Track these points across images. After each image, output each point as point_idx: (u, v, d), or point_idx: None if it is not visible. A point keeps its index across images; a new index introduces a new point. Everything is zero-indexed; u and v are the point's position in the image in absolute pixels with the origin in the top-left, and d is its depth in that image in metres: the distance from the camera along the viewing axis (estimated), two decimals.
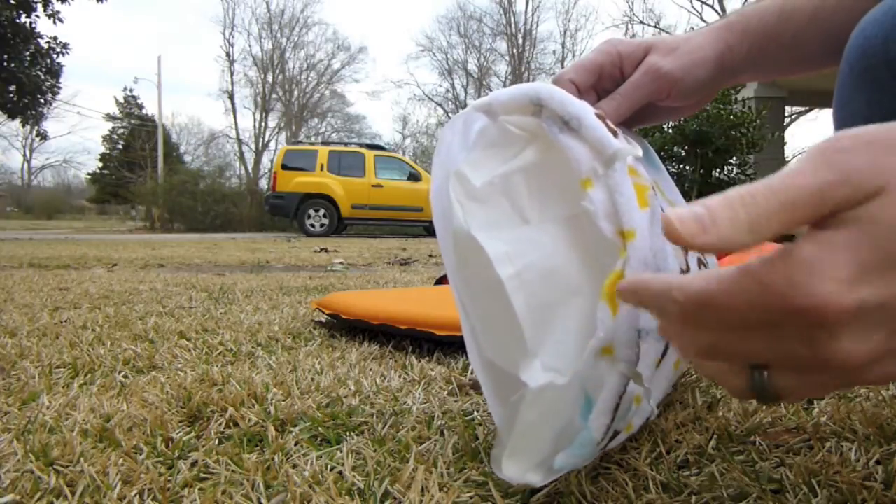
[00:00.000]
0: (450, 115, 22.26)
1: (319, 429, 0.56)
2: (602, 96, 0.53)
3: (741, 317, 0.25)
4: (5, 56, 9.56)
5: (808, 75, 0.58)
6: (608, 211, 0.39)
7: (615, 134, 0.43)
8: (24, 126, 11.26)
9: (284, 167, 9.46)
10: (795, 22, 0.53)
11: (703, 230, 0.24)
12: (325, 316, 1.13)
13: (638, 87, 0.51)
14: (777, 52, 0.54)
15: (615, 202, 0.39)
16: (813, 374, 0.25)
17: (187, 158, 25.32)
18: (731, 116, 5.28)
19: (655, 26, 18.00)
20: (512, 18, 23.03)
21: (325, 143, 12.08)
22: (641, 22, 19.23)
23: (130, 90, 25.35)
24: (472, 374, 0.75)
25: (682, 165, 5.92)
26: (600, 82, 0.53)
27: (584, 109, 0.41)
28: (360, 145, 10.55)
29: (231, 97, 23.28)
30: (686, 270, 0.43)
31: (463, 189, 0.45)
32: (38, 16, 9.76)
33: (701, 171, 5.74)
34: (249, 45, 31.31)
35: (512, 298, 0.41)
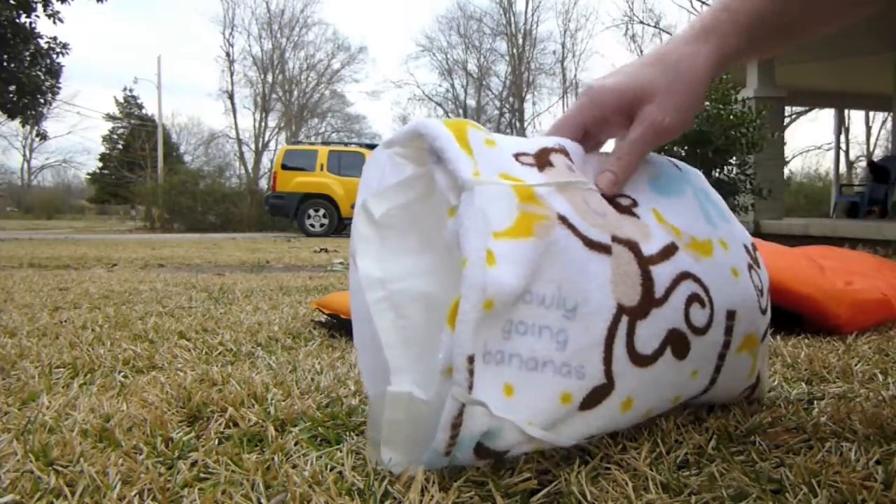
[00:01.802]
0: (449, 115, 22.27)
1: (319, 429, 0.56)
2: (590, 141, 0.54)
3: None
4: (5, 56, 9.56)
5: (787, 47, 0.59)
6: (456, 242, 0.41)
7: (543, 168, 0.46)
8: (23, 126, 11.27)
9: (284, 167, 9.46)
10: (785, 9, 0.52)
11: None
12: (325, 316, 1.13)
13: (641, 144, 0.51)
14: (767, 42, 0.54)
15: (458, 232, 0.41)
16: None
17: (187, 158, 25.32)
18: (731, 116, 5.27)
19: (655, 26, 17.98)
20: (512, 18, 23.03)
21: (325, 143, 12.09)
22: (641, 22, 19.24)
23: (130, 90, 25.33)
24: None
25: None
26: (585, 137, 0.53)
27: (448, 143, 0.43)
28: (360, 145, 10.55)
29: (231, 97, 23.28)
30: (632, 308, 0.45)
31: (366, 219, 0.48)
32: (37, 16, 9.77)
33: (701, 171, 5.72)
34: (249, 45, 31.28)
35: (376, 320, 0.45)
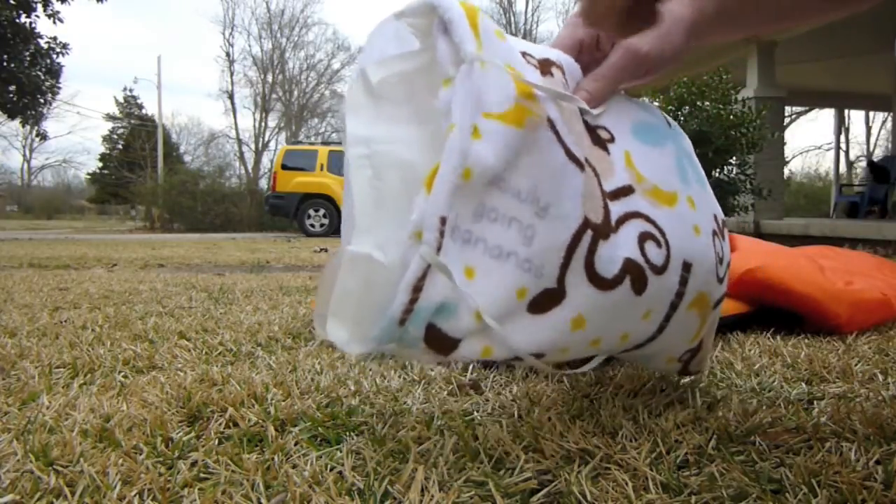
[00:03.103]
0: None
1: (319, 429, 0.56)
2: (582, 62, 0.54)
3: None
4: (5, 56, 9.56)
5: (769, 31, 0.59)
6: (447, 110, 0.41)
7: (544, 74, 0.47)
8: (23, 126, 11.27)
9: (284, 167, 9.46)
10: None
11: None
12: None
13: (620, 70, 0.52)
14: (743, 15, 0.56)
15: (450, 101, 0.41)
16: None
17: (187, 158, 25.31)
18: (731, 116, 5.27)
19: None
20: (512, 18, 23.03)
21: (325, 143, 12.07)
22: None
23: (130, 90, 25.34)
24: (471, 373, 0.75)
25: None
26: (580, 57, 0.54)
27: (458, 16, 0.43)
28: None
29: (231, 97, 23.28)
30: (597, 225, 0.46)
31: (363, 86, 0.48)
32: (37, 16, 9.76)
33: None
34: (249, 46, 31.34)
35: (353, 175, 0.45)
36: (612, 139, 0.52)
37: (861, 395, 0.65)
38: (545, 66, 0.49)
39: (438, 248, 0.40)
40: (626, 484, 0.44)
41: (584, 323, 0.47)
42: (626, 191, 0.50)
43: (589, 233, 0.45)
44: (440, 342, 0.42)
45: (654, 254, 0.49)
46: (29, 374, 0.76)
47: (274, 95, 23.84)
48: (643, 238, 0.49)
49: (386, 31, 0.49)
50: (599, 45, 0.54)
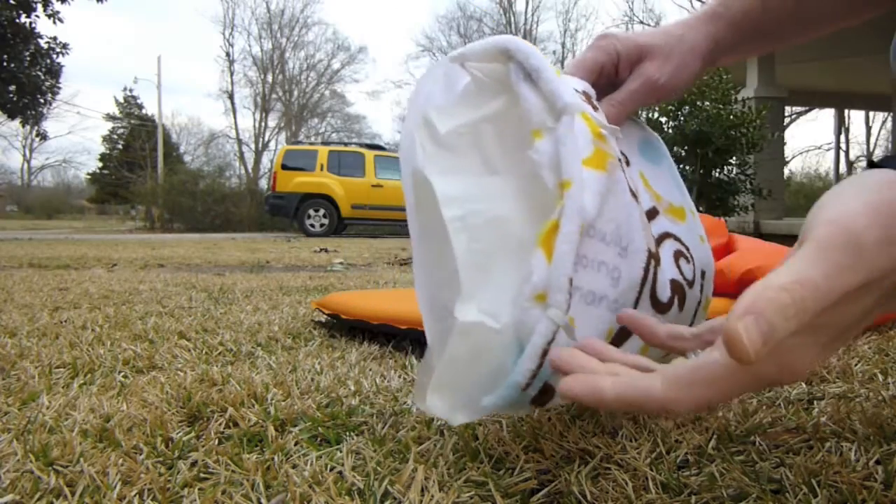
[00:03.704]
0: None
1: (319, 429, 0.56)
2: (596, 92, 0.53)
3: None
4: (5, 56, 9.56)
5: (785, 47, 0.62)
6: (552, 162, 0.40)
7: (595, 108, 0.46)
8: (23, 126, 11.27)
9: (284, 167, 9.46)
10: (775, 16, 0.56)
11: (764, 343, 0.25)
12: (325, 316, 1.13)
13: (636, 98, 0.54)
14: (757, 42, 0.58)
15: (559, 153, 0.40)
16: None
17: (187, 158, 25.33)
18: (731, 116, 5.28)
19: (656, 26, 17.95)
20: (512, 18, 23.03)
21: (325, 143, 12.09)
22: (641, 22, 19.22)
23: (130, 90, 25.36)
24: None
25: (682, 165, 5.92)
26: (598, 80, 0.54)
27: (544, 64, 0.42)
28: (360, 145, 10.55)
29: (231, 97, 23.29)
30: (654, 254, 0.46)
31: (429, 135, 0.45)
32: (37, 16, 9.76)
33: (701, 171, 5.73)
34: (249, 46, 31.33)
35: (452, 239, 0.42)
36: (628, 162, 0.51)
37: (861, 395, 0.65)
38: (589, 99, 0.48)
39: (568, 309, 0.39)
40: (626, 484, 0.44)
41: (647, 349, 0.46)
42: (653, 213, 0.50)
43: (652, 263, 0.45)
44: (544, 397, 0.41)
45: (687, 269, 0.51)
46: (29, 374, 0.76)
47: (274, 95, 23.85)
48: (677, 256, 0.50)
49: (436, 74, 0.47)
50: (619, 71, 0.55)
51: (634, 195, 0.46)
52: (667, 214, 0.52)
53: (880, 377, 0.73)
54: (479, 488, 0.43)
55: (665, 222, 0.51)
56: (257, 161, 23.26)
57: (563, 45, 22.74)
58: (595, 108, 0.47)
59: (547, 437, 0.52)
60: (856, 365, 0.78)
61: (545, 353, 0.38)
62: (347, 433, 0.55)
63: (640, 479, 0.45)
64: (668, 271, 0.48)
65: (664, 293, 0.47)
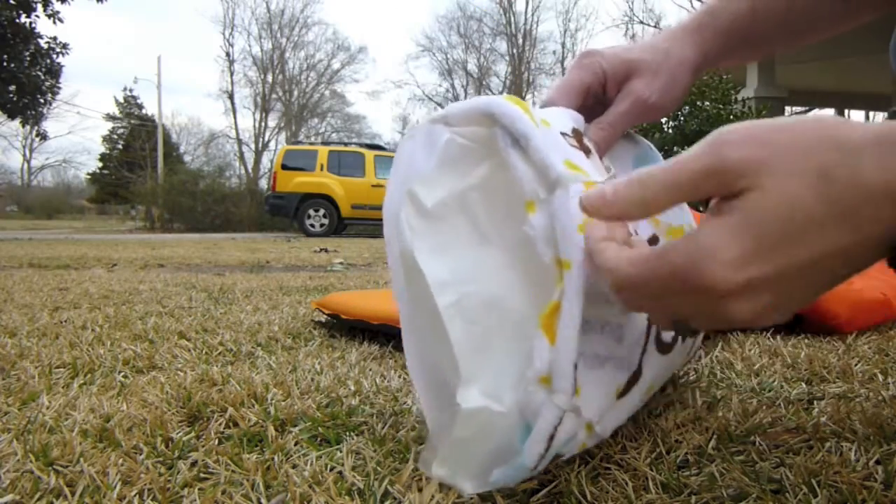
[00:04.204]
0: None
1: (319, 429, 0.56)
2: (584, 113, 0.52)
3: (658, 291, 0.31)
4: (5, 56, 9.56)
5: (778, 52, 0.61)
6: (547, 236, 0.38)
7: (587, 153, 0.44)
8: (23, 126, 11.27)
9: (284, 167, 9.47)
10: (765, 24, 0.55)
11: (605, 205, 0.32)
12: (325, 316, 1.13)
13: (625, 119, 0.52)
14: (746, 50, 0.57)
15: (554, 229, 0.38)
16: (719, 322, 0.31)
17: (187, 158, 25.35)
18: (732, 117, 5.28)
19: (655, 26, 17.98)
20: (512, 18, 23.05)
21: (325, 143, 12.09)
22: (641, 22, 19.21)
23: (130, 90, 25.38)
24: None
25: None
26: (586, 101, 0.53)
27: (531, 128, 0.40)
28: (360, 145, 10.56)
29: (231, 97, 23.29)
30: None
31: (414, 209, 0.43)
32: (37, 16, 9.76)
33: None
34: (249, 46, 31.33)
35: (448, 328, 0.40)
36: None
37: (861, 395, 0.65)
38: (580, 140, 0.45)
39: (573, 394, 0.38)
40: (626, 484, 0.44)
41: (652, 388, 0.48)
42: (653, 241, 0.47)
43: None
44: (550, 461, 0.41)
45: None
46: (29, 374, 0.76)
47: (274, 95, 23.85)
48: None
49: (417, 137, 0.45)
50: (606, 90, 0.53)
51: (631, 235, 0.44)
52: (666, 237, 0.49)
53: (880, 377, 0.73)
54: None
55: None
56: (257, 161, 23.27)
57: (563, 45, 22.75)
58: (581, 145, 0.44)
59: None
60: (856, 365, 0.78)
61: (552, 437, 0.38)
62: (347, 433, 0.55)
63: (640, 479, 0.45)
64: None
65: (667, 334, 0.47)
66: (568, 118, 0.48)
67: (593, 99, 0.53)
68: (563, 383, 0.37)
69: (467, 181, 0.43)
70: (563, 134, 0.43)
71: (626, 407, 0.46)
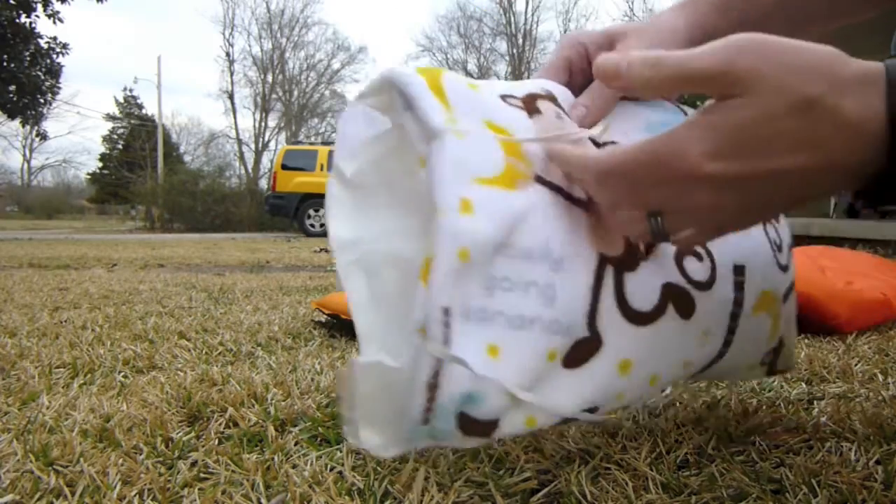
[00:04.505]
0: None
1: (319, 429, 0.56)
2: (575, 91, 0.51)
3: (638, 178, 0.34)
4: (5, 56, 9.56)
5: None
6: (427, 192, 0.39)
7: (531, 111, 0.44)
8: (23, 126, 11.27)
9: (284, 167, 9.47)
10: (763, 3, 0.54)
11: (617, 76, 0.35)
12: (325, 316, 1.13)
13: (606, 89, 0.50)
14: (742, 29, 0.55)
15: (431, 181, 0.38)
16: (691, 217, 0.35)
17: (187, 158, 25.36)
18: None
19: None
20: (512, 18, 23.05)
21: (325, 143, 12.08)
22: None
23: (130, 90, 25.37)
24: None
25: None
26: (572, 78, 0.52)
27: (421, 89, 0.41)
28: None
29: (231, 97, 23.30)
30: (616, 258, 0.42)
31: (338, 180, 0.46)
32: (37, 16, 9.76)
33: None
34: (249, 46, 31.35)
35: (345, 285, 0.43)
36: None
37: (861, 395, 0.65)
38: (530, 103, 0.45)
39: (446, 341, 0.38)
40: (626, 484, 0.44)
41: (631, 365, 0.44)
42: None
43: (610, 268, 0.42)
44: (477, 427, 0.41)
45: (695, 269, 0.45)
46: (29, 374, 0.76)
47: (274, 95, 23.86)
48: (680, 255, 0.45)
49: (355, 115, 0.47)
50: (591, 62, 0.53)
51: (587, 201, 0.42)
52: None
53: (880, 377, 0.73)
54: (479, 488, 0.43)
55: None
56: (257, 161, 23.28)
57: None
58: (529, 107, 0.44)
59: (547, 437, 0.52)
60: (856, 365, 0.78)
61: (433, 387, 0.38)
62: None
63: (640, 479, 0.45)
64: (656, 274, 0.44)
65: (645, 300, 0.43)
66: (535, 85, 0.48)
67: (581, 75, 0.52)
68: (434, 329, 0.37)
69: (381, 148, 0.46)
70: (506, 96, 0.45)
71: (592, 380, 0.43)
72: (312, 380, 0.72)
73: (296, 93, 24.42)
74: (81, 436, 0.54)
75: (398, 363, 0.40)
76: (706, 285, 0.46)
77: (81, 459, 0.48)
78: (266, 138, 23.71)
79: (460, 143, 0.39)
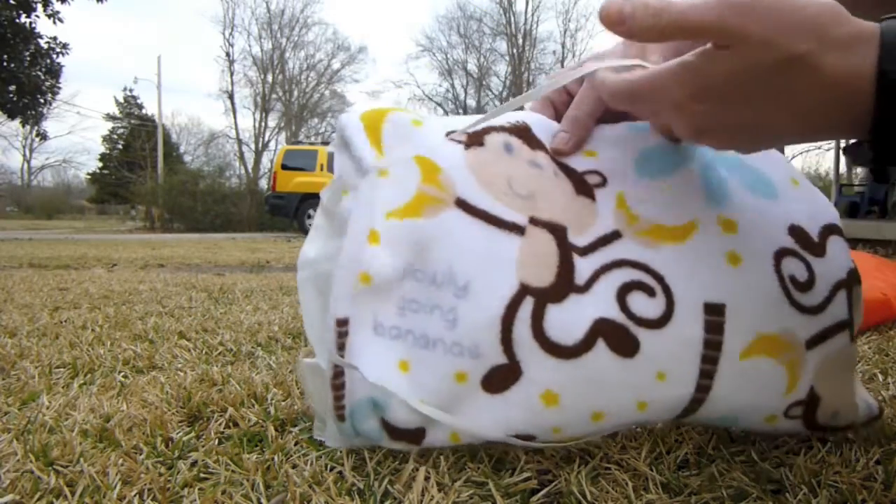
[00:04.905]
0: (448, 114, 22.27)
1: None
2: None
3: (645, 100, 0.40)
4: (5, 56, 9.56)
5: None
6: (346, 219, 0.45)
7: (472, 144, 0.47)
8: (23, 126, 11.27)
9: (284, 167, 9.47)
10: None
11: (621, 21, 0.36)
12: None
13: (581, 101, 0.50)
14: None
15: (349, 212, 0.45)
16: (696, 133, 0.40)
17: (187, 158, 25.37)
18: None
19: None
20: (512, 18, 23.04)
21: (325, 143, 12.09)
22: None
23: (130, 90, 25.38)
24: None
25: None
26: (557, 113, 0.53)
27: (357, 130, 0.47)
28: None
29: (231, 97, 23.29)
30: (540, 289, 0.43)
31: (321, 209, 0.52)
32: (37, 16, 9.76)
33: None
34: (249, 46, 31.31)
35: (301, 297, 0.49)
36: (603, 182, 0.47)
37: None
38: (477, 137, 0.47)
39: (340, 348, 0.43)
40: (626, 484, 0.44)
41: (558, 398, 0.43)
42: (608, 239, 0.45)
43: (529, 299, 0.42)
44: (402, 434, 0.45)
45: (643, 305, 0.43)
46: (29, 374, 0.76)
47: (274, 95, 23.86)
48: (625, 290, 0.43)
49: (338, 149, 0.52)
50: (571, 95, 0.52)
51: (522, 228, 0.43)
52: (639, 237, 0.45)
53: (880, 377, 0.73)
54: (479, 488, 0.43)
55: (629, 247, 0.45)
56: (257, 161, 23.27)
57: (563, 45, 22.74)
58: (470, 139, 0.47)
59: None
60: (856, 365, 0.78)
61: (337, 387, 0.44)
62: None
63: (640, 479, 0.45)
64: (589, 307, 0.42)
65: (567, 334, 0.42)
66: (508, 119, 0.50)
67: (565, 107, 0.52)
68: (328, 336, 0.43)
69: (339, 184, 0.50)
70: (452, 132, 0.48)
71: (517, 408, 0.43)
72: None
73: (296, 93, 24.42)
74: (81, 436, 0.54)
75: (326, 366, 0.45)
76: (657, 323, 0.43)
77: (81, 459, 0.48)
78: (266, 138, 23.71)
79: (380, 180, 0.45)
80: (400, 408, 0.43)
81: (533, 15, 22.98)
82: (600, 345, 0.42)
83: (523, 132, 0.49)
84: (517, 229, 0.43)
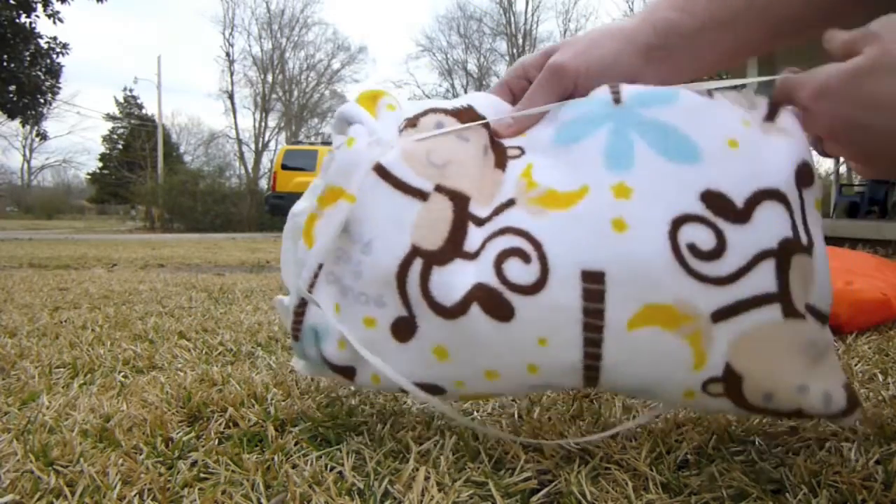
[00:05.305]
0: None
1: (319, 429, 0.56)
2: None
3: (787, 99, 0.47)
4: (5, 56, 9.56)
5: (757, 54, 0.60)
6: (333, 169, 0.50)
7: (410, 126, 0.50)
8: (23, 126, 11.27)
9: (284, 167, 9.47)
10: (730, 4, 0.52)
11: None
12: None
13: (539, 86, 0.51)
14: (716, 34, 0.52)
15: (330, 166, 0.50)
16: (832, 139, 0.46)
17: (187, 158, 25.38)
18: None
19: None
20: (512, 18, 23.04)
21: (325, 143, 12.08)
22: None
23: (130, 90, 25.38)
24: None
25: None
26: (515, 99, 0.54)
27: (358, 115, 0.50)
28: None
29: (231, 97, 23.30)
30: (430, 251, 0.46)
31: (322, 169, 0.55)
32: (37, 16, 9.75)
33: None
34: (249, 46, 31.34)
35: (283, 243, 0.54)
36: (520, 153, 0.50)
37: (861, 395, 0.65)
38: (413, 120, 0.51)
39: (311, 286, 0.48)
40: (626, 484, 0.44)
41: (447, 354, 0.46)
42: (502, 207, 0.46)
43: (418, 260, 0.45)
44: (337, 369, 0.50)
45: (518, 272, 0.43)
46: (29, 374, 0.76)
47: (274, 95, 23.86)
48: (502, 257, 0.44)
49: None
50: (529, 80, 0.53)
51: (425, 194, 0.47)
52: (530, 204, 0.45)
53: (880, 377, 0.73)
54: (479, 488, 0.43)
55: (518, 214, 0.45)
56: (257, 161, 23.29)
57: None
58: (413, 126, 0.50)
59: (547, 437, 0.52)
60: (856, 365, 0.78)
61: (298, 314, 0.50)
62: (347, 433, 0.55)
63: (640, 479, 0.45)
64: (469, 273, 0.44)
65: (445, 296, 0.44)
66: (455, 103, 0.53)
67: (522, 91, 0.53)
68: (305, 274, 0.49)
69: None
70: (405, 117, 0.51)
71: (417, 360, 0.47)
72: (312, 380, 0.72)
73: (296, 93, 24.43)
74: (81, 436, 0.54)
75: (294, 302, 0.51)
76: (531, 289, 0.43)
77: (81, 459, 0.48)
78: (266, 138, 23.72)
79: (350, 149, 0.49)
80: (331, 343, 0.49)
81: (533, 15, 23.00)
82: (475, 308, 0.44)
83: (462, 113, 0.52)
84: (421, 195, 0.47)
